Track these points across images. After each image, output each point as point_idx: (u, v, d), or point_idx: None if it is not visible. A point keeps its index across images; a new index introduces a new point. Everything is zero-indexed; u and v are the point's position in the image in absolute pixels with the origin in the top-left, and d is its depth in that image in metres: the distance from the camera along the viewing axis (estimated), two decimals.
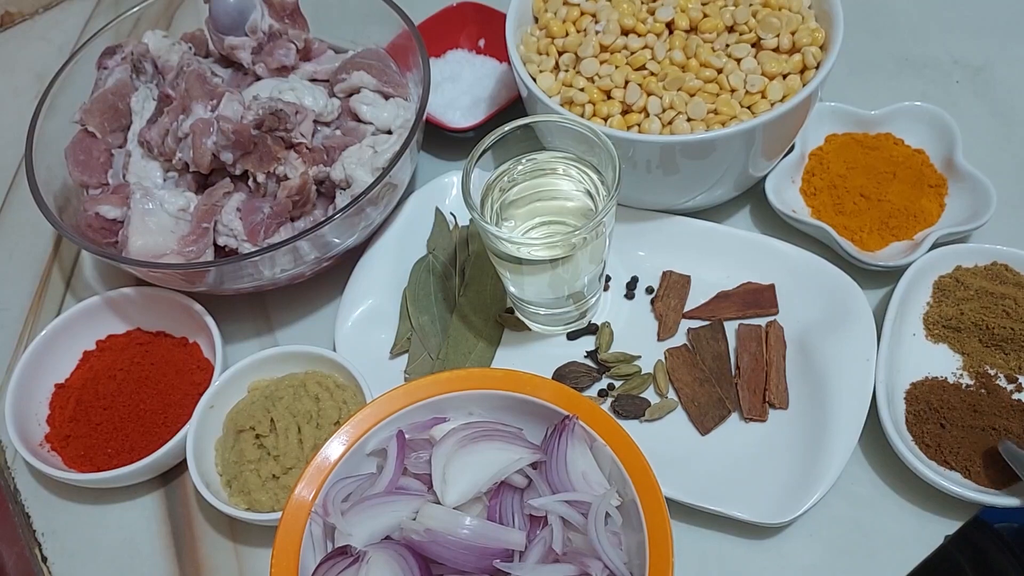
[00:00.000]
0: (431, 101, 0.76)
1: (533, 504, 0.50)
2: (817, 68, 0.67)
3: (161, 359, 0.71)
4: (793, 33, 0.67)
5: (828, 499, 0.60)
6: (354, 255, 0.73)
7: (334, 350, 0.69)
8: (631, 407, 0.66)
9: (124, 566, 0.65)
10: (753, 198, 0.77)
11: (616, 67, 0.68)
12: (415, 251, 0.75)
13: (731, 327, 0.69)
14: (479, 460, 0.51)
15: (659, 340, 0.69)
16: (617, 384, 0.68)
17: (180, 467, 0.68)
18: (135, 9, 0.83)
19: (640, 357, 0.68)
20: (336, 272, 0.74)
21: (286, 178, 0.69)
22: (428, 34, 0.82)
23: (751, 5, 0.69)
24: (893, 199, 0.73)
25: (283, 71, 0.75)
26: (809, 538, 0.61)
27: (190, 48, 0.78)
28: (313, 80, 0.77)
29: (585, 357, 0.69)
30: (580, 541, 0.50)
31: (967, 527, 0.59)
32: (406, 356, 0.71)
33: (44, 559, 0.66)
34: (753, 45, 0.68)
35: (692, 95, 0.66)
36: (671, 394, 0.67)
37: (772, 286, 0.70)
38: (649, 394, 0.67)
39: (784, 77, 0.67)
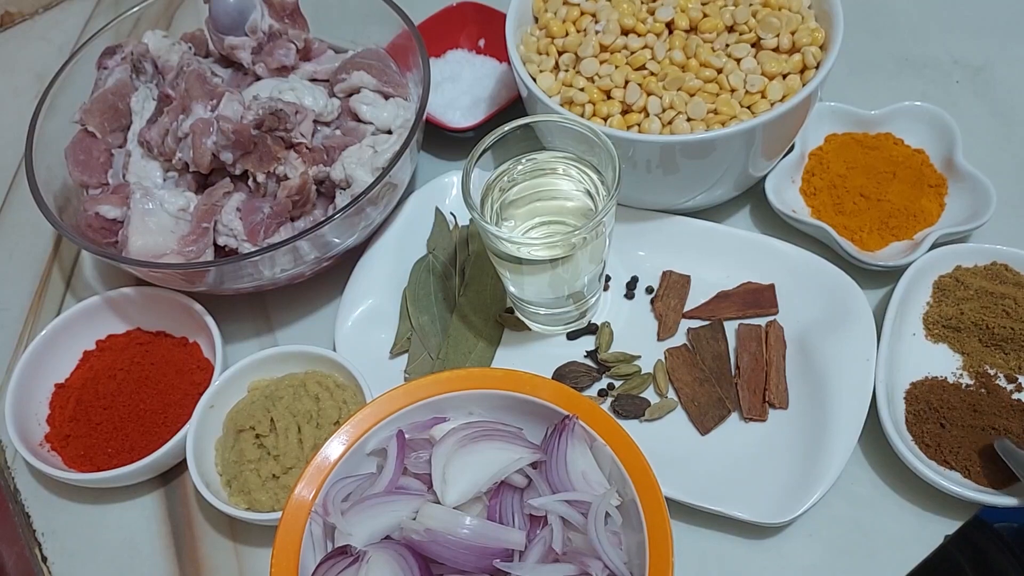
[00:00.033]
0: (431, 101, 0.76)
1: (533, 504, 0.50)
2: (817, 68, 0.67)
3: (161, 359, 0.71)
4: (793, 33, 0.68)
5: (828, 499, 0.60)
6: (354, 255, 0.73)
7: (334, 350, 0.69)
8: (631, 407, 0.66)
9: (124, 566, 0.65)
10: (753, 198, 0.77)
11: (616, 67, 0.68)
12: (415, 251, 0.75)
13: (731, 327, 0.69)
14: (479, 460, 0.51)
15: (659, 340, 0.69)
16: (617, 384, 0.68)
17: (180, 467, 0.68)
18: (135, 9, 0.83)
19: (640, 357, 0.68)
20: (336, 272, 0.74)
21: (286, 178, 0.70)
22: (428, 34, 0.82)
23: (751, 5, 0.69)
24: (893, 199, 0.73)
25: (283, 71, 0.75)
26: (809, 538, 0.61)
27: (190, 48, 0.78)
28: (313, 80, 0.77)
29: (585, 357, 0.69)
30: (580, 541, 0.50)
31: (967, 527, 0.59)
32: (406, 356, 0.71)
33: (44, 559, 0.66)
34: (753, 45, 0.68)
35: (692, 95, 0.66)
36: (671, 394, 0.67)
37: (772, 286, 0.70)
38: (649, 394, 0.67)
39: (784, 77, 0.67)
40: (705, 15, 0.68)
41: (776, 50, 0.68)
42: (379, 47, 0.78)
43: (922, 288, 0.69)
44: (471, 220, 0.71)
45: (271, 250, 0.64)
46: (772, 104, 0.66)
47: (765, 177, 0.73)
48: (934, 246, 0.69)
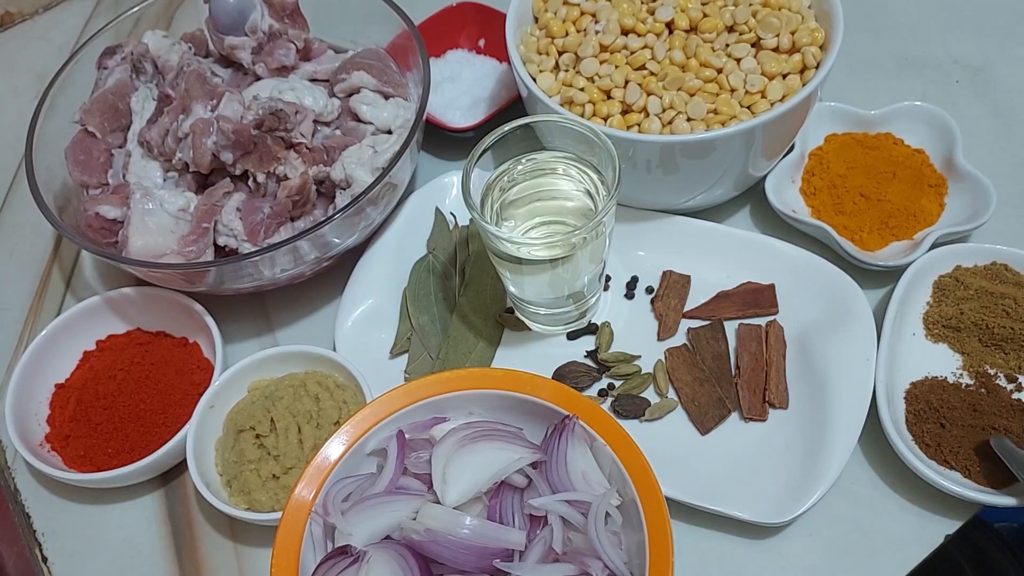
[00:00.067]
0: (431, 101, 0.76)
1: (533, 504, 0.50)
2: (817, 68, 0.67)
3: (161, 359, 0.71)
4: (793, 33, 0.68)
5: (828, 499, 0.60)
6: (354, 255, 0.73)
7: (334, 350, 0.69)
8: (631, 407, 0.66)
9: (124, 566, 0.65)
10: (753, 198, 0.77)
11: (616, 67, 0.68)
12: (415, 251, 0.75)
13: (731, 327, 0.69)
14: (479, 460, 0.51)
15: (659, 340, 0.69)
16: (617, 384, 0.68)
17: (180, 467, 0.68)
18: (135, 9, 0.83)
19: (640, 357, 0.68)
20: (336, 272, 0.74)
21: (286, 178, 0.70)
22: (428, 34, 0.82)
23: (751, 5, 0.69)
24: (893, 199, 0.73)
25: (283, 71, 0.75)
26: (809, 538, 0.61)
27: (190, 48, 0.78)
28: (313, 80, 0.77)
29: (585, 357, 0.69)
30: (580, 541, 0.50)
31: (967, 527, 0.59)
32: (406, 356, 0.71)
33: (44, 559, 0.66)
34: (753, 45, 0.68)
35: (692, 95, 0.66)
36: (671, 394, 0.67)
37: (772, 286, 0.70)
38: (649, 394, 0.67)
39: (784, 77, 0.67)
40: (705, 15, 0.68)
41: (776, 50, 0.68)
42: (379, 47, 0.78)
43: (922, 288, 0.69)
44: (471, 220, 0.71)
45: (271, 250, 0.64)
46: (772, 104, 0.66)
47: (765, 177, 0.73)
48: (934, 246, 0.69)
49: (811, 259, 0.69)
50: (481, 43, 0.88)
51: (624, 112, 0.67)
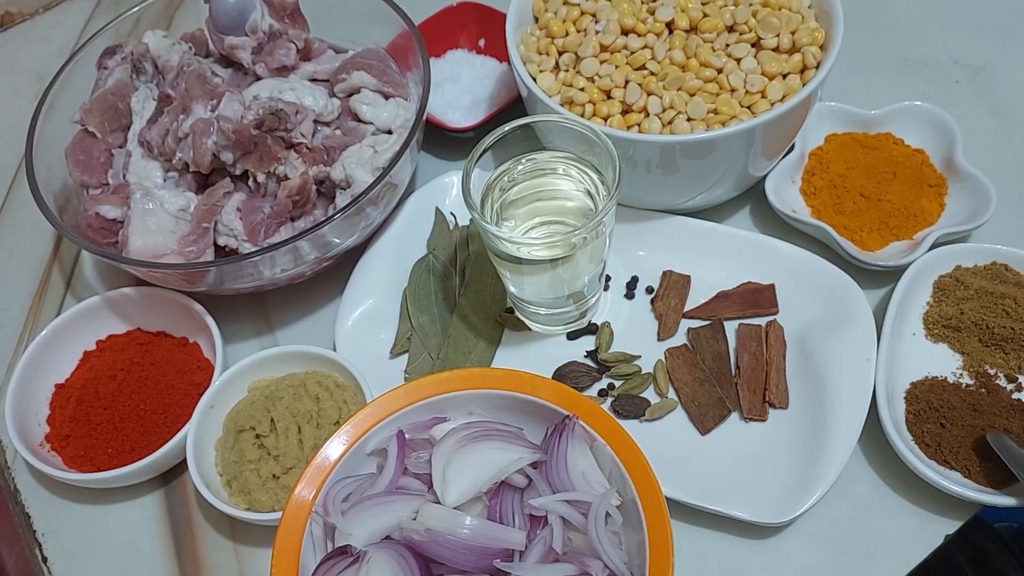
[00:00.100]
0: (431, 101, 0.76)
1: (533, 504, 0.50)
2: (817, 68, 0.67)
3: (161, 359, 0.71)
4: (793, 33, 0.68)
5: (828, 499, 0.60)
6: (354, 255, 0.73)
7: (334, 350, 0.69)
8: (631, 407, 0.66)
9: (124, 566, 0.65)
10: (753, 198, 0.77)
11: (616, 67, 0.68)
12: (415, 251, 0.75)
13: (731, 327, 0.69)
14: (479, 460, 0.51)
15: (659, 340, 0.69)
16: (617, 384, 0.68)
17: (180, 467, 0.68)
18: (135, 9, 0.83)
19: (640, 357, 0.68)
20: (336, 272, 0.74)
21: (286, 178, 0.70)
22: (428, 34, 0.82)
23: (751, 5, 0.69)
24: (893, 199, 0.73)
25: (283, 71, 0.75)
26: (809, 538, 0.61)
27: (190, 48, 0.78)
28: (313, 80, 0.77)
29: (585, 357, 0.69)
30: (580, 541, 0.50)
31: (967, 527, 0.59)
32: (406, 356, 0.71)
33: (44, 559, 0.66)
34: (753, 45, 0.68)
35: (692, 95, 0.66)
36: (671, 394, 0.67)
37: (772, 286, 0.70)
38: (649, 394, 0.67)
39: (784, 77, 0.67)
40: (705, 15, 0.68)
41: (776, 50, 0.68)
42: (379, 47, 0.78)
43: (922, 288, 0.69)
44: (471, 220, 0.71)
45: (271, 250, 0.64)
46: (772, 104, 0.66)
47: (765, 177, 0.73)
48: (934, 246, 0.69)
49: (811, 259, 0.69)
50: (481, 43, 0.88)
51: (624, 112, 0.67)
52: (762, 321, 0.69)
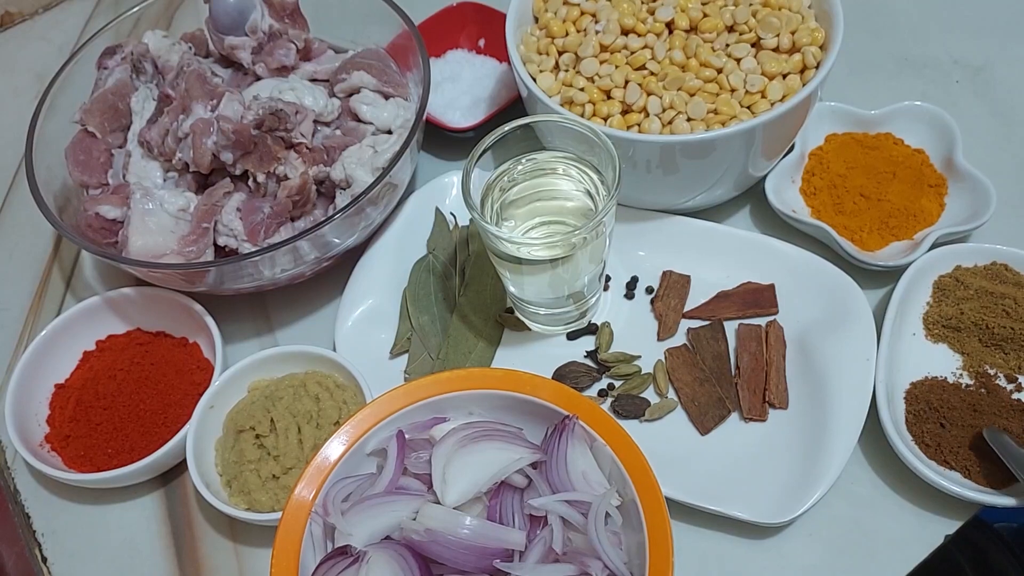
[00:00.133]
0: (431, 101, 0.76)
1: (533, 504, 0.50)
2: (817, 68, 0.67)
3: (161, 359, 0.71)
4: (793, 33, 0.68)
5: (828, 499, 0.60)
6: (354, 255, 0.73)
7: (334, 350, 0.69)
8: (631, 407, 0.66)
9: (124, 566, 0.65)
10: (753, 198, 0.77)
11: (616, 67, 0.68)
12: (415, 251, 0.75)
13: (731, 327, 0.69)
14: (479, 460, 0.51)
15: (659, 340, 0.69)
16: (617, 384, 0.68)
17: (180, 467, 0.68)
18: (135, 9, 0.83)
19: (640, 357, 0.68)
20: (336, 272, 0.74)
21: (286, 178, 0.70)
22: (428, 34, 0.82)
23: (751, 5, 0.69)
24: (893, 199, 0.73)
25: (283, 71, 0.75)
26: (809, 538, 0.61)
27: (190, 48, 0.78)
28: (313, 80, 0.77)
29: (585, 357, 0.69)
30: (580, 541, 0.50)
31: (967, 527, 0.59)
32: (406, 356, 0.71)
33: (44, 559, 0.66)
34: (753, 45, 0.68)
35: (692, 95, 0.66)
36: (671, 394, 0.67)
37: (772, 286, 0.70)
38: (649, 394, 0.67)
39: (784, 77, 0.67)
40: (705, 15, 0.68)
41: (776, 50, 0.68)
42: (379, 47, 0.78)
43: (922, 288, 0.69)
44: (471, 220, 0.71)
45: (271, 250, 0.64)
46: (772, 104, 0.66)
47: (765, 177, 0.73)
48: (934, 246, 0.69)
49: (811, 259, 0.69)
50: (481, 43, 0.88)
51: (624, 112, 0.67)
52: (762, 321, 0.69)
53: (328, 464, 0.53)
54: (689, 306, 0.71)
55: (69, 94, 0.76)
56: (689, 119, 0.66)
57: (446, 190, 0.77)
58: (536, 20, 0.74)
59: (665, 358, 0.68)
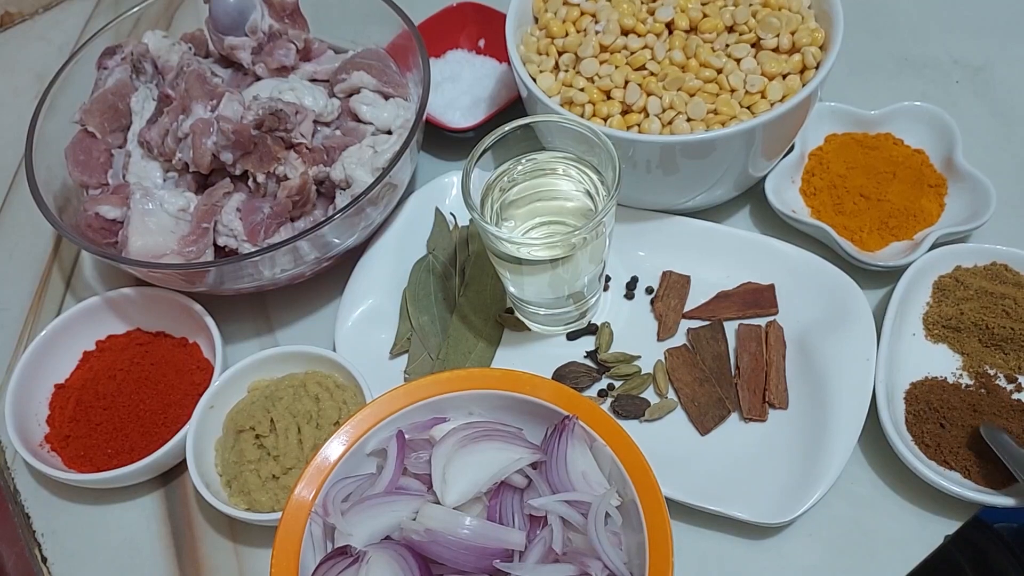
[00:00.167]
0: (431, 101, 0.76)
1: (533, 504, 0.50)
2: (817, 68, 0.67)
3: (161, 359, 0.71)
4: (793, 33, 0.68)
5: (828, 499, 0.60)
6: (354, 255, 0.73)
7: (334, 350, 0.69)
8: (631, 407, 0.66)
9: (124, 566, 0.65)
10: (753, 198, 0.77)
11: (616, 67, 0.68)
12: (415, 251, 0.75)
13: (731, 327, 0.69)
14: (479, 460, 0.51)
15: (659, 340, 0.69)
16: (617, 384, 0.68)
17: (180, 467, 0.68)
18: (135, 9, 0.83)
19: (640, 357, 0.68)
20: (336, 272, 0.74)
21: (286, 178, 0.70)
22: (428, 34, 0.82)
23: (751, 5, 0.69)
24: (893, 199, 0.73)
25: (283, 71, 0.75)
26: (809, 538, 0.61)
27: (190, 48, 0.78)
28: (313, 80, 0.77)
29: (585, 357, 0.69)
30: (580, 541, 0.50)
31: (967, 527, 0.59)
32: (406, 356, 0.71)
33: (44, 559, 0.66)
34: (753, 45, 0.68)
35: (692, 95, 0.66)
36: (671, 394, 0.67)
37: (772, 286, 0.70)
38: (649, 394, 0.67)
39: (784, 77, 0.67)
40: (705, 15, 0.68)
41: (776, 50, 0.68)
42: (379, 47, 0.78)
43: (922, 288, 0.69)
44: (471, 220, 0.71)
45: (271, 250, 0.64)
46: (772, 104, 0.66)
47: (765, 177, 0.73)
48: (934, 246, 0.69)
49: (811, 259, 0.69)
50: (481, 43, 0.88)
51: (624, 112, 0.67)
52: (762, 321, 0.69)
53: (328, 464, 0.53)
54: (689, 306, 0.71)
55: (69, 94, 0.76)
56: (689, 119, 0.66)
57: (446, 190, 0.77)
58: (536, 20, 0.74)
59: (665, 358, 0.68)
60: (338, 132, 0.74)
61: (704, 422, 0.65)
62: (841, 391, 0.63)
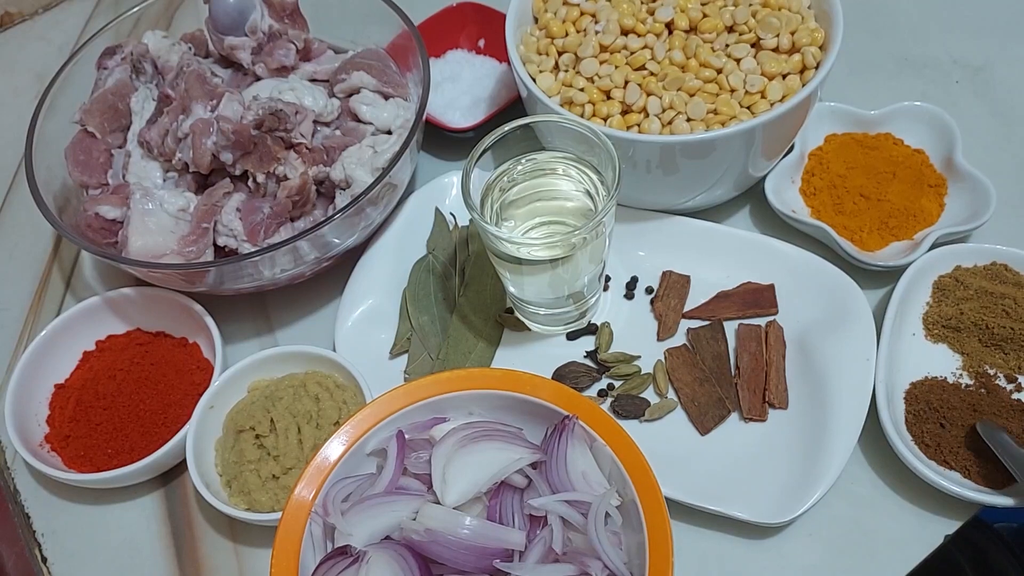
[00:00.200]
0: (431, 101, 0.76)
1: (533, 504, 0.50)
2: (817, 68, 0.67)
3: (161, 359, 0.71)
4: (793, 33, 0.68)
5: (828, 499, 0.60)
6: (354, 255, 0.73)
7: (334, 350, 0.69)
8: (631, 407, 0.66)
9: (124, 566, 0.65)
10: (753, 198, 0.77)
11: (616, 67, 0.68)
12: (415, 251, 0.75)
13: (731, 327, 0.69)
14: (479, 460, 0.51)
15: (659, 340, 0.69)
16: (617, 384, 0.68)
17: (180, 467, 0.68)
18: (135, 9, 0.83)
19: (640, 357, 0.68)
20: (336, 272, 0.74)
21: (286, 178, 0.70)
22: (428, 34, 0.82)
23: (751, 5, 0.69)
24: (893, 199, 0.73)
25: (283, 71, 0.75)
26: (809, 538, 0.61)
27: (190, 48, 0.78)
28: (313, 80, 0.77)
29: (585, 357, 0.69)
30: (580, 541, 0.50)
31: (967, 527, 0.59)
32: (406, 356, 0.71)
33: (44, 559, 0.66)
34: (753, 45, 0.68)
35: (692, 95, 0.66)
36: (671, 394, 0.67)
37: (772, 286, 0.70)
38: (649, 394, 0.67)
39: (784, 77, 0.67)
40: (705, 15, 0.68)
41: (776, 50, 0.68)
42: (379, 47, 0.78)
43: (922, 288, 0.69)
44: (471, 220, 0.71)
45: (271, 250, 0.64)
46: (772, 104, 0.66)
47: (765, 177, 0.73)
48: (934, 246, 0.69)
49: (811, 259, 0.69)
50: (481, 43, 0.88)
51: (624, 112, 0.67)
52: (762, 321, 0.69)
53: (328, 464, 0.53)
54: (689, 306, 0.71)
55: (69, 94, 0.76)
56: (689, 119, 0.66)
57: (446, 190, 0.77)
58: (536, 20, 0.74)
59: (665, 358, 0.68)
60: (338, 132, 0.74)
61: (704, 422, 0.65)
62: (841, 391, 0.63)
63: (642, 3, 0.70)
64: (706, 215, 0.74)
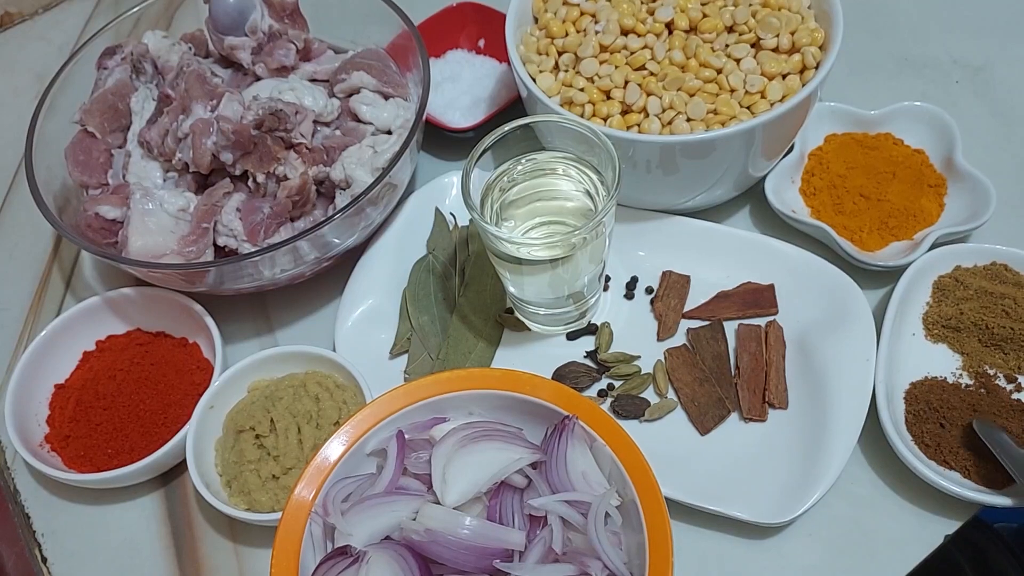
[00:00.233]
0: (431, 101, 0.76)
1: (533, 504, 0.50)
2: (817, 68, 0.67)
3: (161, 359, 0.71)
4: (793, 33, 0.68)
5: (828, 499, 0.60)
6: (354, 255, 0.73)
7: (334, 350, 0.69)
8: (631, 407, 0.66)
9: (124, 566, 0.65)
10: (753, 198, 0.77)
11: (616, 67, 0.68)
12: (415, 251, 0.75)
13: (731, 327, 0.69)
14: (479, 460, 0.51)
15: (659, 340, 0.69)
16: (617, 384, 0.68)
17: (180, 467, 0.68)
18: (135, 9, 0.83)
19: (640, 357, 0.68)
20: (336, 272, 0.74)
21: (286, 178, 0.70)
22: (428, 34, 0.82)
23: (751, 5, 0.69)
24: (893, 199, 0.73)
25: (283, 71, 0.75)
26: (809, 538, 0.61)
27: (190, 48, 0.78)
28: (313, 80, 0.77)
29: (585, 357, 0.69)
30: (580, 541, 0.50)
31: (967, 527, 0.59)
32: (406, 356, 0.71)
33: (44, 559, 0.66)
34: (753, 45, 0.68)
35: (692, 95, 0.66)
36: (671, 394, 0.67)
37: (772, 286, 0.70)
38: (649, 394, 0.67)
39: (784, 77, 0.67)
40: (705, 15, 0.68)
41: (776, 50, 0.68)
42: (379, 47, 0.78)
43: (922, 288, 0.69)
44: (471, 220, 0.71)
45: (271, 250, 0.64)
46: (772, 104, 0.66)
47: (765, 177, 0.73)
48: (934, 246, 0.69)
49: (811, 259, 0.69)
50: (481, 43, 0.88)
51: (624, 112, 0.67)
52: (762, 321, 0.69)
53: (328, 464, 0.53)
54: (689, 306, 0.71)
55: (69, 94, 0.76)
56: (689, 119, 0.66)
57: (446, 190, 0.77)
58: (536, 20, 0.74)
59: (665, 358, 0.68)
60: (338, 132, 0.74)
61: (704, 422, 0.65)
62: (841, 391, 0.63)
63: (642, 3, 0.70)
64: (706, 215, 0.74)
